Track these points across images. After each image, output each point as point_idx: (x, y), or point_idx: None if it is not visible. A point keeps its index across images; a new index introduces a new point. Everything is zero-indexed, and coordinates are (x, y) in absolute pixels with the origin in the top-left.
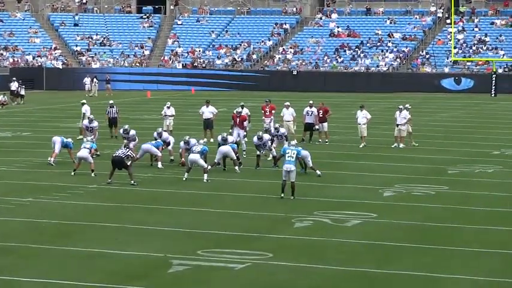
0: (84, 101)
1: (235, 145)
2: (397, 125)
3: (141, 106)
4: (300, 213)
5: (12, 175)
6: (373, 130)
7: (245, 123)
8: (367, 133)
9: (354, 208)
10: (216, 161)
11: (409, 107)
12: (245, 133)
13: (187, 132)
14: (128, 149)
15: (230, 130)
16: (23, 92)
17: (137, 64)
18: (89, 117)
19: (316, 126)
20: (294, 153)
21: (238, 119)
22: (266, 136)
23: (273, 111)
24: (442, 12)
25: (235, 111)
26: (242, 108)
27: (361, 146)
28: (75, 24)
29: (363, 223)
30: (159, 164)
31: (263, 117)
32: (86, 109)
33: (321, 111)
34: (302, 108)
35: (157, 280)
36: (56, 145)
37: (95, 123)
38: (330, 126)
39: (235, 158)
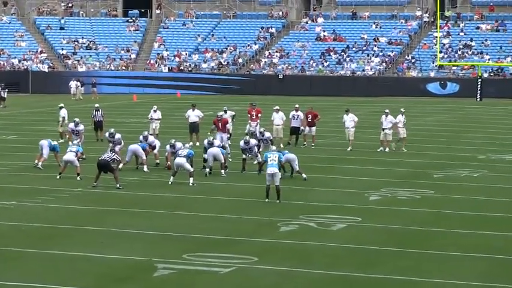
0: (62, 104)
1: (223, 149)
2: (383, 129)
3: (127, 110)
4: (285, 217)
5: None
6: (359, 134)
7: (228, 125)
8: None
9: (340, 212)
10: (209, 163)
11: (403, 110)
12: (228, 135)
13: (173, 135)
14: (113, 153)
15: (209, 133)
16: (5, 95)
17: (123, 68)
18: (74, 121)
19: (302, 128)
20: (275, 157)
21: (220, 123)
22: (253, 141)
23: (259, 115)
24: (428, 17)
25: (217, 115)
26: (225, 113)
27: (348, 150)
28: (61, 28)
29: (348, 227)
30: (145, 168)
31: (249, 121)
32: (64, 113)
33: (309, 115)
34: (288, 112)
35: (143, 284)
36: (43, 149)
37: (81, 127)
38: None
39: (223, 161)
